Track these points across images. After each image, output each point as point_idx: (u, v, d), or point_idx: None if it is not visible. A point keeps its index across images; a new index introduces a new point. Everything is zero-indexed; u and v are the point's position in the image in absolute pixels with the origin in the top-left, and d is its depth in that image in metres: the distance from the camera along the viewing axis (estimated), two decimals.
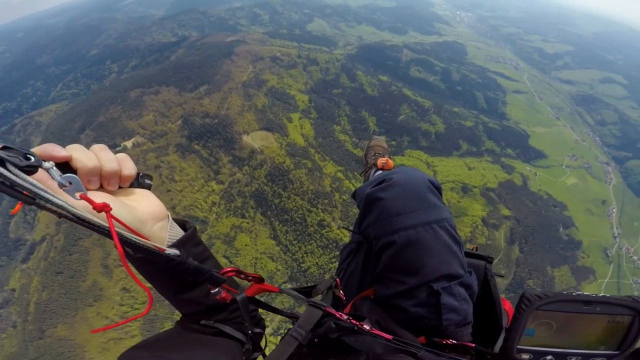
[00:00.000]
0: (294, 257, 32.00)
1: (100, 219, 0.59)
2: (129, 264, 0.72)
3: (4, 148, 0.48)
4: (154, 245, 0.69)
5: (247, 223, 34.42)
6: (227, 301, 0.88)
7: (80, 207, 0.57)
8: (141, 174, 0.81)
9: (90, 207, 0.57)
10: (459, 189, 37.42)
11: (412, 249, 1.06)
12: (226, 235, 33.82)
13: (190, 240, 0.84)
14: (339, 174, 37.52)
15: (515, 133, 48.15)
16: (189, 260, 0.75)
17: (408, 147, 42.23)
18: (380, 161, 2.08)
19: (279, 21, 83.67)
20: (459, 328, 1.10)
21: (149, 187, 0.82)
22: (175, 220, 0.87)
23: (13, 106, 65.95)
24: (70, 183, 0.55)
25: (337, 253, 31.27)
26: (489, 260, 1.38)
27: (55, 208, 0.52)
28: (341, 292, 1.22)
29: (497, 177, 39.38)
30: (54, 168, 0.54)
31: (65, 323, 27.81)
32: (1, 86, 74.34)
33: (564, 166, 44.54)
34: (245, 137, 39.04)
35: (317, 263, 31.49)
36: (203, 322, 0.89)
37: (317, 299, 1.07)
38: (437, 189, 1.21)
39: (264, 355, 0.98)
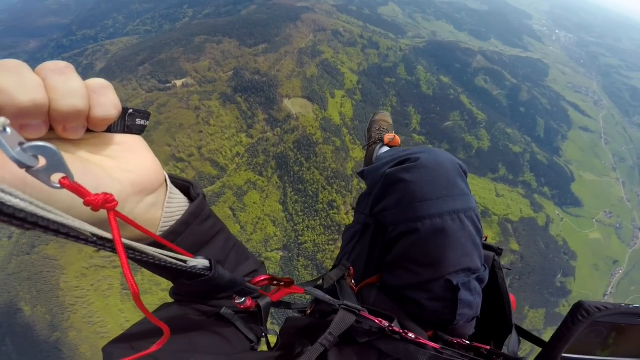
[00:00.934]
0: (295, 227, 32.18)
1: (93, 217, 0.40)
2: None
3: None
4: (175, 258, 0.52)
5: (262, 182, 35.11)
6: (252, 308, 0.80)
7: (60, 202, 0.37)
8: (131, 110, 0.54)
9: (81, 201, 0.34)
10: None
11: (435, 239, 0.96)
12: (239, 188, 34.92)
13: (197, 217, 0.68)
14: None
15: (561, 172, 44.00)
16: (220, 273, 0.61)
17: None
18: (387, 137, 1.94)
19: None
20: (468, 323, 1.05)
21: (140, 131, 0.57)
22: (174, 180, 0.71)
23: (92, 34, 73.20)
24: (38, 157, 0.30)
25: (337, 237, 30.75)
26: (498, 252, 1.26)
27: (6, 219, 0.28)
28: (352, 281, 1.12)
29: (522, 211, 37.08)
30: (8, 129, 0.29)
31: (58, 242, 27.64)
32: (89, 15, 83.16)
33: (594, 220, 41.69)
34: (286, 101, 39.25)
35: (314, 240, 31.41)
36: (224, 310, 0.82)
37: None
38: (465, 174, 1.10)
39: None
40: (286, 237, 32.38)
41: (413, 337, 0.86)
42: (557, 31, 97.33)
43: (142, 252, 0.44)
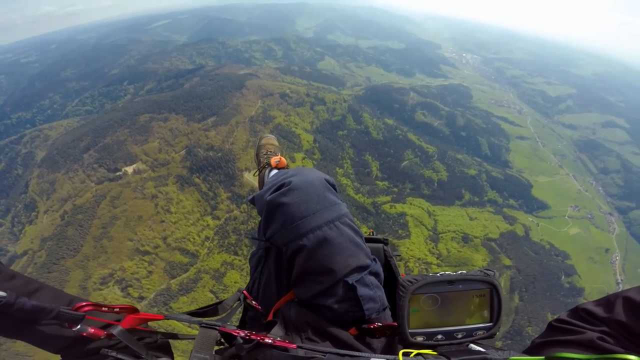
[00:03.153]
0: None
1: None
2: None
3: None
4: None
5: (239, 260, 33.53)
6: (101, 337, 0.84)
7: None
8: None
9: None
10: (459, 239, 36.94)
11: (322, 249, 1.09)
12: (216, 271, 32.98)
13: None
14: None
15: (518, 183, 47.95)
16: (20, 300, 0.66)
17: (410, 194, 41.79)
18: (274, 159, 2.04)
19: (291, 57, 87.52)
20: (380, 314, 1.16)
21: None
22: None
23: (28, 116, 68.18)
24: None
25: None
26: (385, 242, 1.44)
27: None
28: (254, 302, 1.22)
29: (498, 227, 39.15)
30: None
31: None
32: (22, 95, 77.51)
33: (566, 217, 44.52)
34: (246, 174, 39.11)
35: None
36: (104, 351, 0.86)
37: (225, 314, 1.11)
38: (333, 187, 1.24)
39: None
40: None
41: (270, 341, 0.92)
42: (464, 54, 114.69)
43: None
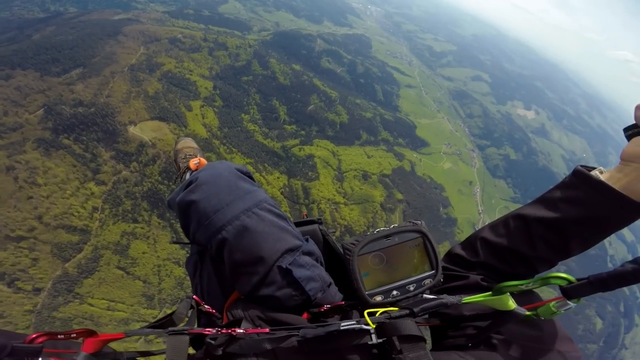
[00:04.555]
0: (184, 248, 29.40)
1: None
2: None
3: None
4: None
5: (142, 228, 30.05)
6: None
7: None
8: None
9: None
10: (360, 177, 40.19)
11: (244, 238, 1.07)
12: (117, 244, 29.04)
13: None
14: (249, 167, 35.52)
15: (405, 124, 54.38)
16: None
17: (316, 136, 43.19)
18: (193, 162, 1.95)
19: (185, 0, 74.55)
20: (325, 293, 1.14)
21: None
22: None
23: None
24: None
25: None
26: (319, 221, 1.42)
27: None
28: (206, 306, 1.18)
29: (390, 164, 43.76)
30: None
31: None
32: None
33: (442, 153, 52.47)
34: (132, 129, 33.50)
35: None
36: None
37: (183, 324, 1.03)
38: (247, 175, 1.23)
39: None
40: None
41: (242, 331, 0.92)
42: (369, 6, 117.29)
43: None
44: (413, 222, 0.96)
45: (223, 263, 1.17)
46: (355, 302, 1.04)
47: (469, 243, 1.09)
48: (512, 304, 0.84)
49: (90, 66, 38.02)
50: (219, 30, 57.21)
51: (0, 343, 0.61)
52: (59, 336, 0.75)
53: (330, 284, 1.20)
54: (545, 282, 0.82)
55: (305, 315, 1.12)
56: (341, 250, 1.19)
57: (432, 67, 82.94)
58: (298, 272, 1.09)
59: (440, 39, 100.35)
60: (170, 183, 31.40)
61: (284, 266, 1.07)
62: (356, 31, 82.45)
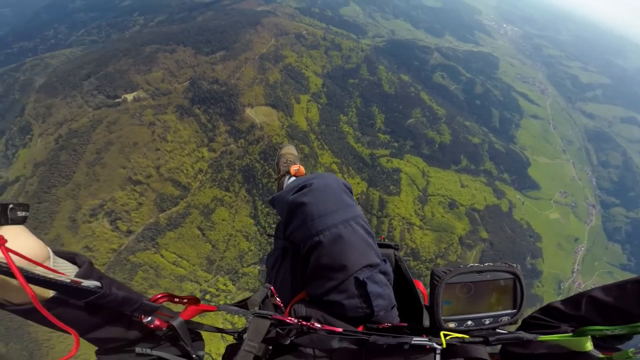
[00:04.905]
0: (269, 240, 30.86)
1: None
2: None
3: None
4: (69, 279, 0.62)
5: (230, 197, 33.41)
6: (163, 329, 0.86)
7: None
8: (11, 205, 0.63)
9: None
10: (446, 204, 36.73)
11: (336, 246, 1.16)
12: (205, 206, 32.93)
13: (88, 277, 0.73)
14: (334, 166, 35.85)
15: (517, 159, 46.96)
16: (114, 291, 0.69)
17: (409, 151, 40.60)
18: (293, 168, 2.15)
19: None
20: (387, 312, 1.21)
21: (22, 222, 0.65)
22: (59, 254, 0.76)
23: (30, 46, 65.70)
24: None
25: None
26: (395, 247, 1.47)
27: None
28: (277, 299, 1.25)
29: (486, 199, 38.96)
30: None
31: None
32: (26, 26, 74.83)
33: (552, 201, 44.74)
34: (248, 110, 37.67)
35: None
36: (139, 350, 0.84)
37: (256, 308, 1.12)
38: (350, 190, 1.33)
39: None
40: (261, 250, 31.03)
41: (319, 326, 0.99)
42: (505, 25, 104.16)
43: (37, 275, 0.55)
44: (509, 264, 0.96)
45: (306, 263, 1.26)
46: (419, 326, 1.08)
47: (572, 299, 1.05)
48: (589, 346, 0.83)
49: (231, 50, 44.49)
50: (337, 31, 59.67)
51: (135, 297, 0.73)
52: (175, 299, 0.86)
53: (394, 306, 1.24)
54: (634, 329, 0.81)
55: (360, 328, 1.14)
56: (434, 267, 1.17)
57: (571, 99, 68.89)
58: (371, 287, 1.14)
59: (591, 69, 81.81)
60: (265, 164, 34.03)
61: (361, 278, 1.13)
62: (482, 49, 74.36)
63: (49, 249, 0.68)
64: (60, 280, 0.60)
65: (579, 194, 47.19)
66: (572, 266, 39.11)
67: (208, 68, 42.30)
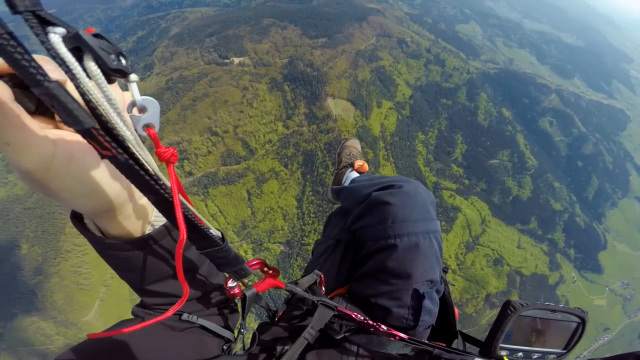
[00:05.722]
0: (303, 227, 31.82)
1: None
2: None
3: (96, 36, 0.34)
4: (207, 224, 0.60)
5: (285, 174, 35.17)
6: (238, 297, 0.85)
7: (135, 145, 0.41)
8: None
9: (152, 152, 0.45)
10: (492, 259, 33.22)
11: (410, 253, 1.14)
12: (261, 174, 35.21)
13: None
14: None
15: (594, 240, 40.00)
16: (228, 246, 0.67)
17: (478, 194, 36.42)
18: (357, 163, 2.11)
19: (429, 8, 76.70)
20: (426, 330, 1.20)
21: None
22: None
23: None
24: (146, 109, 0.40)
25: None
26: (445, 270, 1.44)
27: (112, 144, 0.35)
28: (323, 289, 1.23)
29: (537, 267, 34.61)
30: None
31: None
32: None
33: (607, 288, 39.19)
34: (329, 100, 38.63)
35: None
36: (185, 316, 0.81)
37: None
38: (434, 204, 1.31)
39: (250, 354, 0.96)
40: (292, 233, 32.19)
41: (385, 328, 0.97)
42: None
43: (185, 206, 0.51)
44: (581, 310, 0.99)
45: (363, 261, 1.23)
46: (465, 352, 1.05)
47: (618, 357, 0.99)
48: None
49: (333, 39, 45.83)
50: (446, 46, 55.82)
51: (240, 258, 0.72)
52: (265, 268, 0.87)
53: (432, 325, 1.23)
54: None
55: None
56: (510, 299, 1.20)
57: None
58: (426, 303, 1.12)
59: None
60: (327, 155, 34.78)
61: (421, 291, 1.11)
62: (615, 103, 61.09)
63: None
64: (207, 229, 0.58)
65: None
66: (582, 351, 35.25)
67: (308, 51, 44.48)
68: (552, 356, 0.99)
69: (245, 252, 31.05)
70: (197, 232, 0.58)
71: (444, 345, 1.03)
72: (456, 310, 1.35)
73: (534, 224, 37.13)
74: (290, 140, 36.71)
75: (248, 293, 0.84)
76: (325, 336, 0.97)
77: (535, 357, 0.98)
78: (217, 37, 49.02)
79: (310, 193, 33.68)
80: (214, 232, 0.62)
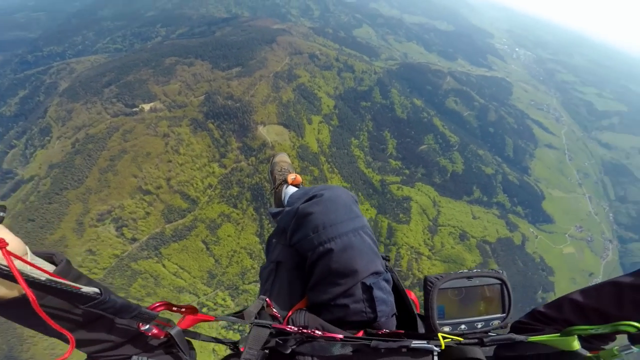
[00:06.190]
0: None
1: None
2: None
3: None
4: (69, 285, 0.62)
5: (237, 214, 33.50)
6: (161, 337, 0.88)
7: None
8: None
9: None
10: (456, 235, 36.31)
11: (346, 253, 1.22)
12: (212, 221, 33.09)
13: (66, 277, 0.73)
14: None
15: (531, 192, 46.12)
16: (112, 298, 0.69)
17: (421, 179, 40.19)
18: (290, 177, 2.15)
19: (327, 19, 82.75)
20: (388, 319, 1.27)
21: (0, 221, 0.66)
22: (37, 253, 0.77)
23: (59, 50, 68.49)
24: None
25: None
26: (386, 258, 1.53)
27: None
28: (274, 310, 1.30)
29: (498, 232, 38.39)
30: None
31: None
32: (57, 31, 78.18)
33: (567, 235, 43.88)
34: (260, 128, 38.16)
35: None
36: (135, 357, 0.87)
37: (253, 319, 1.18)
38: (356, 202, 1.42)
39: None
40: None
41: (320, 334, 1.03)
42: (517, 49, 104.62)
43: (35, 279, 0.56)
44: (495, 271, 1.04)
45: (309, 272, 1.30)
46: (416, 333, 1.14)
47: (554, 303, 1.15)
48: (576, 345, 0.91)
49: (247, 66, 45.57)
50: (350, 52, 60.73)
51: (133, 305, 0.74)
52: (173, 308, 0.88)
53: (394, 314, 1.29)
54: (615, 327, 0.87)
55: (360, 333, 1.18)
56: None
57: (587, 128, 67.80)
58: (377, 293, 1.19)
59: (607, 95, 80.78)
60: None
61: (368, 283, 1.18)
62: (496, 74, 74.49)
63: (26, 247, 0.68)
64: (60, 285, 0.60)
65: (595, 229, 46.13)
66: None
67: (224, 83, 43.30)
68: (496, 321, 1.02)
69: (224, 299, 29.51)
70: (63, 293, 0.62)
71: (403, 332, 1.10)
72: (412, 295, 1.41)
73: (477, 193, 41.73)
74: (232, 178, 35.08)
75: (173, 332, 0.87)
76: (278, 354, 1.00)
77: (479, 326, 1.01)
78: (116, 85, 44.21)
79: (270, 225, 32.65)
80: (87, 289, 0.65)
